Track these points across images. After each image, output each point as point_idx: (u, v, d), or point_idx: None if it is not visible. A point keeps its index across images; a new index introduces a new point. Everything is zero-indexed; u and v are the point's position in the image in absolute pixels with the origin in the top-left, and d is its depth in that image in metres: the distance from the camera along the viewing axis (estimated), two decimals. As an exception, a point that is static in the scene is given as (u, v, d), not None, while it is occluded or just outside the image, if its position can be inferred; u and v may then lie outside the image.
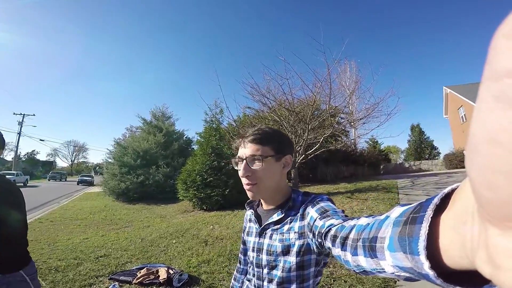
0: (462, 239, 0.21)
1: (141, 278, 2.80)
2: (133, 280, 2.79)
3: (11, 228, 1.20)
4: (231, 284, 1.11)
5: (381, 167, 19.17)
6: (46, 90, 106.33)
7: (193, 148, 13.30)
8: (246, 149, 0.83)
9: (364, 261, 0.40)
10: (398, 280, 2.61)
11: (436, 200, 0.29)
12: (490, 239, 0.16)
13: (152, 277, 2.83)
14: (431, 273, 0.27)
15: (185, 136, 14.13)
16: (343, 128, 9.36)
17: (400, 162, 28.77)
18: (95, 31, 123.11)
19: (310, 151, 7.92)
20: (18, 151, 35.16)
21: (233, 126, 9.11)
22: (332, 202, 0.76)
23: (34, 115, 34.40)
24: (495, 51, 0.14)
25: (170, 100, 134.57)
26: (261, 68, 8.55)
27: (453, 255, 0.23)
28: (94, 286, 2.78)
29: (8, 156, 49.87)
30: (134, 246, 4.23)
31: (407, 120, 45.05)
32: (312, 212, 0.72)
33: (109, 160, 13.38)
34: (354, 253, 0.43)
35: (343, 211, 0.68)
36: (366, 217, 0.47)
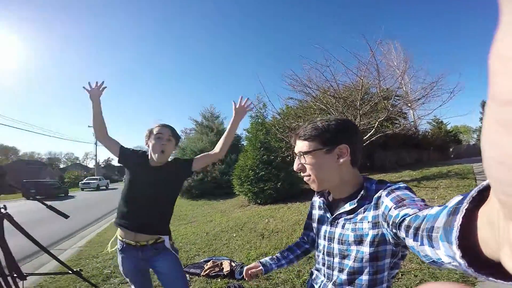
0: (493, 231, 0.22)
1: (207, 271, 3.07)
2: (201, 273, 3.07)
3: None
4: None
5: (451, 150, 16.85)
6: (108, 100, 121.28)
7: (242, 144, 13.73)
8: (296, 146, 0.89)
9: (429, 251, 0.41)
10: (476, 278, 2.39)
11: (472, 193, 0.30)
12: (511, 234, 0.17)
13: (217, 269, 3.09)
14: (462, 262, 0.29)
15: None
16: (399, 110, 8.53)
17: (473, 143, 24.87)
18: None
19: (365, 137, 7.49)
20: (97, 159, 41.13)
21: (277, 118, 9.13)
22: (410, 191, 0.71)
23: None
24: (493, 74, 0.14)
25: (216, 100, 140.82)
26: (298, 59, 8.36)
27: (492, 247, 0.24)
28: None
29: (90, 163, 59.21)
30: (201, 240, 4.64)
31: (476, 96, 39.01)
32: (386, 201, 0.69)
33: (172, 161, 14.76)
34: (422, 243, 0.44)
35: (423, 200, 0.64)
36: (438, 206, 0.45)
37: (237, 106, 1.73)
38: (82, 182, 28.02)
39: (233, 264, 3.18)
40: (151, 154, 1.59)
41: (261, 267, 1.12)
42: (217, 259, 3.41)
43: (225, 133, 1.76)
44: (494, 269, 0.26)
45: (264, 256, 3.46)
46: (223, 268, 3.10)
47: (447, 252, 0.34)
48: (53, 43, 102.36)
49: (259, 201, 7.71)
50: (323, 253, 0.90)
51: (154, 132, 1.58)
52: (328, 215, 0.90)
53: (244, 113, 1.76)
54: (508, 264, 0.18)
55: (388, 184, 0.78)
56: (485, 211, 0.26)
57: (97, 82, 1.70)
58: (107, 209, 10.92)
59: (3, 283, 1.47)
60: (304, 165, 0.85)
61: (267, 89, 20.44)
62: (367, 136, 7.39)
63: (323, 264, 0.91)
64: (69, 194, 20.31)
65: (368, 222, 0.76)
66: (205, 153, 1.75)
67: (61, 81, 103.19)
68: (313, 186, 0.87)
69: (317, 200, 1.00)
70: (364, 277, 0.78)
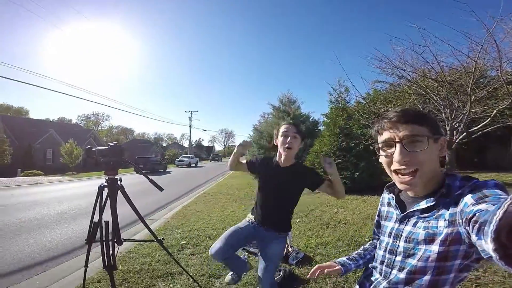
0: None
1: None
2: (258, 252, 3.20)
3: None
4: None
5: None
6: (202, 88, 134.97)
7: (319, 129, 13.29)
8: (399, 131, 0.74)
9: (484, 245, 0.40)
10: None
11: None
12: None
13: (273, 250, 3.16)
14: (493, 255, 0.30)
15: (311, 118, 14.30)
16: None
17: None
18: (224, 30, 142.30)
19: (475, 128, 6.11)
20: (191, 139, 47.13)
21: (362, 103, 8.31)
22: (502, 189, 0.61)
23: (197, 111, 45.94)
24: None
25: (294, 86, 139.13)
26: (389, 39, 7.16)
27: None
28: None
29: (185, 143, 68.39)
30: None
31: None
32: (467, 198, 0.62)
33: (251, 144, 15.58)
34: (479, 237, 0.43)
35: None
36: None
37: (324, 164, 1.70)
38: (177, 159, 32.65)
39: (290, 249, 3.15)
40: (279, 152, 1.73)
41: (339, 267, 1.01)
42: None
43: (336, 185, 1.74)
44: None
45: (324, 246, 3.40)
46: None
47: (493, 246, 0.33)
48: (157, 40, 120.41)
49: (331, 190, 7.36)
50: (385, 251, 0.85)
51: (281, 130, 1.73)
52: (398, 212, 0.84)
53: (332, 168, 1.70)
54: None
55: (475, 181, 0.67)
56: None
57: (250, 142, 2.10)
58: (194, 184, 12.59)
59: (104, 247, 1.78)
60: (414, 154, 0.71)
61: (349, 72, 18.78)
62: (478, 127, 6.05)
63: (382, 262, 0.86)
64: (167, 170, 24.07)
65: (445, 220, 0.69)
66: (337, 191, 1.74)
67: (165, 75, 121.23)
68: (409, 186, 0.74)
69: (386, 197, 0.94)
70: (426, 277, 0.71)
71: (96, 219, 1.79)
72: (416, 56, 6.42)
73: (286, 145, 1.66)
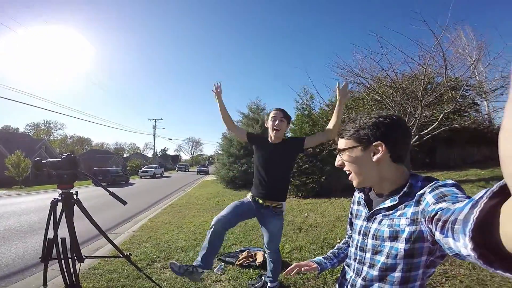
0: None
1: (241, 260, 3.08)
2: (235, 262, 3.10)
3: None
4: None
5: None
6: (167, 96, 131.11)
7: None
8: (338, 142, 0.93)
9: (452, 243, 0.40)
10: None
11: (494, 188, 0.30)
12: None
13: (250, 259, 3.08)
14: (472, 254, 0.29)
15: (279, 125, 14.63)
16: (470, 101, 7.41)
17: None
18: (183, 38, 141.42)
19: (426, 131, 6.69)
20: (155, 149, 45.14)
21: (325, 110, 8.69)
22: (459, 188, 0.66)
23: (162, 119, 44.84)
24: None
25: (262, 93, 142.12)
26: (350, 47, 7.70)
27: None
28: None
29: (148, 153, 65.30)
30: (239, 229, 4.66)
31: None
32: (428, 197, 0.66)
33: (219, 152, 15.31)
34: (446, 235, 0.43)
35: (468, 197, 0.58)
36: (468, 198, 0.45)
37: (340, 88, 2.00)
38: (141, 170, 30.97)
39: (266, 256, 3.13)
40: (269, 133, 2.08)
41: (316, 265, 1.11)
42: (252, 250, 3.40)
43: (334, 116, 2.04)
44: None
45: (299, 250, 3.44)
46: (256, 259, 3.09)
47: (465, 244, 0.34)
48: (118, 43, 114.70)
49: (300, 195, 7.53)
50: (356, 248, 0.90)
51: (271, 115, 2.08)
52: (366, 210, 0.90)
53: (346, 96, 2.03)
54: None
55: (435, 181, 0.73)
56: (509, 206, 0.25)
57: (216, 84, 2.29)
58: (160, 195, 11.89)
59: (63, 265, 1.61)
60: (344, 161, 0.89)
61: (315, 80, 19.66)
62: (428, 130, 6.64)
63: (355, 259, 0.91)
64: (129, 181, 22.63)
65: (406, 218, 0.74)
66: (317, 134, 2.18)
67: (123, 79, 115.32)
68: (354, 183, 0.89)
69: (357, 196, 1.01)
70: (397, 274, 0.76)
71: (51, 235, 1.61)
72: (374, 64, 6.94)
73: (275, 127, 2.01)
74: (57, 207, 1.63)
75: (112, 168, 25.74)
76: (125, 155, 68.71)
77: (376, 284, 0.80)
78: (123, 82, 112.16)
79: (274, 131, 2.03)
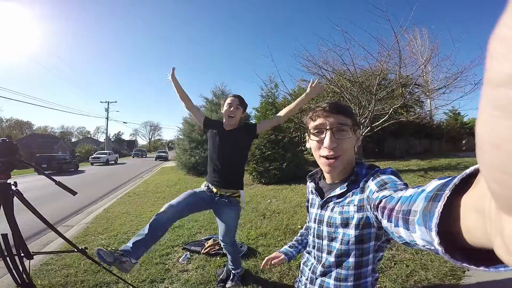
0: (483, 220, 0.21)
1: (208, 249, 3.06)
2: (201, 250, 3.07)
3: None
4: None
5: (464, 142, 16.37)
6: (123, 78, 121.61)
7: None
8: (330, 118, 0.80)
9: (403, 232, 0.41)
10: (468, 270, 2.41)
11: (455, 180, 0.30)
12: (504, 226, 0.17)
13: (217, 247, 3.07)
14: (439, 248, 0.29)
15: (243, 112, 14.57)
16: (416, 98, 8.21)
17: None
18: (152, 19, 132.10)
19: (377, 123, 7.25)
20: (108, 133, 41.84)
21: (288, 99, 8.90)
22: (396, 175, 0.72)
23: (116, 101, 41.76)
24: (491, 56, 0.14)
25: (228, 79, 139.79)
26: (316, 40, 7.94)
27: (477, 235, 0.24)
28: (170, 255, 3.08)
29: (101, 137, 60.39)
30: (203, 217, 4.59)
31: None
32: (371, 185, 0.70)
33: (180, 137, 14.75)
34: (396, 224, 0.44)
35: (405, 184, 0.64)
36: (413, 188, 0.47)
37: (313, 85, 2.00)
38: (92, 156, 28.35)
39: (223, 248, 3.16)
40: (224, 119, 2.01)
41: (283, 256, 1.16)
42: (217, 238, 3.38)
43: (293, 104, 2.06)
44: (472, 255, 0.27)
45: (264, 237, 3.51)
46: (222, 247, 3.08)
47: (423, 236, 0.34)
48: (69, 21, 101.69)
49: (263, 181, 7.69)
50: (313, 236, 0.92)
51: (227, 101, 2.00)
52: (319, 199, 0.91)
53: (314, 94, 2.02)
54: (501, 255, 0.18)
55: (377, 169, 0.78)
56: (471, 199, 0.25)
57: (173, 69, 2.22)
58: (115, 184, 11.06)
59: (10, 263, 1.43)
60: (341, 141, 0.80)
61: (280, 69, 19.85)
62: (379, 122, 7.20)
63: (313, 247, 0.93)
64: (79, 169, 20.59)
65: (354, 205, 0.78)
66: (268, 119, 2.22)
67: (72, 58, 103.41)
68: (332, 169, 0.81)
69: (309, 185, 1.01)
70: (351, 259, 0.80)
71: None
72: (336, 58, 7.23)
73: (229, 114, 1.95)
74: None
75: (58, 154, 23.25)
76: (73, 139, 62.58)
77: (334, 270, 0.84)
78: (70, 60, 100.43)
79: (229, 118, 1.97)
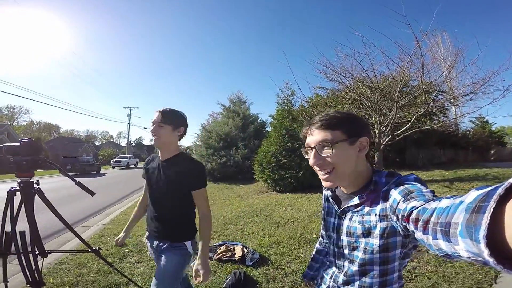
0: None
1: (220, 255, 3.04)
2: (213, 256, 3.05)
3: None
4: (312, 255, 1.16)
5: (492, 152, 15.41)
6: (145, 84, 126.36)
7: (267, 130, 13.64)
8: (314, 136, 0.81)
9: (443, 245, 0.40)
10: (495, 283, 2.33)
11: (500, 191, 0.30)
12: None
13: (229, 254, 3.04)
14: (490, 260, 0.29)
15: (259, 119, 14.58)
16: (440, 105, 7.83)
17: (519, 146, 22.37)
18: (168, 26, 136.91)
19: (398, 131, 6.97)
20: (129, 138, 43.40)
21: (305, 107, 8.80)
22: (420, 182, 0.69)
23: (138, 107, 43.88)
24: None
25: (244, 85, 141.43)
26: (334, 45, 7.82)
27: None
28: None
29: (122, 142, 62.67)
30: (217, 223, 4.61)
31: (532, 95, 34.58)
32: (395, 194, 0.67)
33: (198, 143, 15.01)
34: (435, 237, 0.43)
35: (432, 191, 0.62)
36: (447, 198, 0.45)
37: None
38: (114, 160, 29.62)
39: (245, 250, 3.11)
40: None
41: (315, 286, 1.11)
42: (230, 244, 3.35)
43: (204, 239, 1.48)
44: None
45: (277, 245, 3.44)
46: (235, 254, 3.05)
47: (468, 248, 0.34)
48: (96, 27, 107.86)
49: (278, 189, 7.58)
50: (333, 245, 0.91)
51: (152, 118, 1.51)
52: (336, 207, 0.90)
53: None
54: None
55: (398, 177, 0.75)
56: None
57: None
58: (133, 187, 11.39)
59: (23, 260, 1.46)
60: (326, 158, 0.79)
61: (297, 75, 19.74)
62: (401, 131, 6.93)
63: (334, 256, 0.92)
64: (101, 172, 21.55)
65: (376, 215, 0.75)
66: (199, 202, 1.50)
67: (98, 64, 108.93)
68: (330, 183, 0.81)
69: (325, 194, 1.00)
70: (375, 267, 0.78)
71: (8, 228, 1.46)
72: (355, 64, 7.07)
73: (152, 133, 1.47)
74: (15, 197, 1.47)
75: (82, 156, 24.40)
76: (97, 143, 65.31)
77: (358, 278, 0.82)
78: (97, 67, 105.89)
79: (154, 138, 1.47)
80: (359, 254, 0.80)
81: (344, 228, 0.85)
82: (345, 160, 0.78)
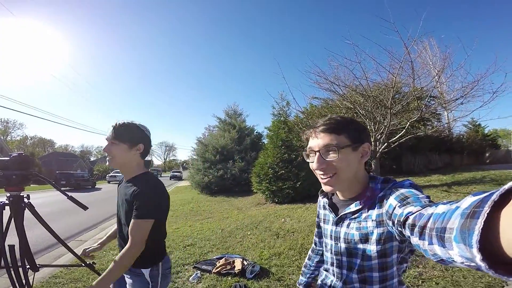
0: None
1: (219, 268, 2.97)
2: (212, 269, 2.98)
3: None
4: (304, 263, 1.17)
5: (487, 155, 15.60)
6: (140, 98, 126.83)
7: (263, 142, 13.67)
8: (318, 140, 0.80)
9: (438, 250, 0.41)
10: (507, 285, 2.21)
11: (494, 197, 0.30)
12: None
13: (228, 267, 2.97)
14: (482, 265, 0.29)
15: (255, 131, 14.64)
16: (433, 111, 7.95)
17: (513, 148, 22.69)
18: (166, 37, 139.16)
19: (394, 138, 7.03)
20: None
21: (300, 118, 8.88)
22: (416, 188, 0.69)
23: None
24: None
25: (239, 98, 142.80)
26: (326, 54, 7.96)
27: None
28: (181, 273, 3.02)
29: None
30: (215, 236, 4.54)
31: (523, 97, 35.29)
32: (391, 200, 0.68)
33: (194, 157, 15.00)
34: (430, 242, 0.43)
35: (428, 197, 0.62)
36: (443, 204, 0.45)
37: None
38: (109, 175, 29.33)
39: (245, 262, 3.04)
40: None
41: None
42: (229, 257, 3.28)
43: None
44: None
45: (277, 257, 3.38)
46: (234, 267, 2.98)
47: (461, 253, 0.34)
48: (91, 41, 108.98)
49: (276, 200, 7.53)
50: (331, 253, 0.90)
51: None
52: (333, 215, 0.89)
53: None
54: None
55: (393, 182, 0.76)
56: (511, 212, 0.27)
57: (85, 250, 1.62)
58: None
59: (13, 275, 1.40)
60: (330, 162, 0.77)
61: (291, 85, 19.95)
62: (396, 137, 6.99)
63: (332, 264, 0.90)
64: (96, 186, 21.27)
65: (372, 220, 0.76)
66: (132, 232, 1.22)
67: (93, 78, 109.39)
68: (330, 188, 0.80)
69: (321, 201, 1.00)
70: (375, 274, 0.78)
71: None
72: (348, 72, 7.20)
73: (106, 153, 1.32)
74: (3, 211, 1.42)
75: (77, 172, 24.06)
76: (92, 158, 64.60)
77: (358, 286, 0.82)
78: (92, 81, 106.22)
79: (107, 158, 1.33)
80: (357, 261, 0.80)
81: (342, 235, 0.84)
82: (348, 165, 0.78)
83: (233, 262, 3.07)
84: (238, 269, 2.88)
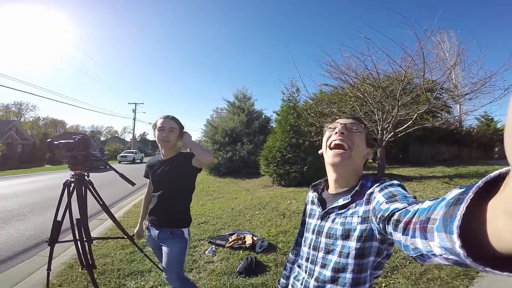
0: None
1: (232, 243, 3.30)
2: (225, 244, 3.32)
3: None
4: (284, 265, 1.14)
5: (496, 149, 15.37)
6: (150, 80, 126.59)
7: (271, 125, 13.80)
8: (347, 120, 0.90)
9: (420, 243, 0.40)
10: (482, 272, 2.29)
11: (479, 183, 0.29)
12: None
13: (240, 242, 3.30)
14: (461, 252, 0.28)
15: (263, 115, 14.73)
16: (443, 103, 7.96)
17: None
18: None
19: (401, 128, 7.15)
20: (134, 133, 43.77)
21: (309, 104, 8.99)
22: (403, 188, 0.72)
23: (143, 103, 43.43)
24: None
25: (247, 82, 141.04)
26: (338, 45, 7.95)
27: (506, 239, 0.23)
28: (197, 248, 3.37)
29: (127, 137, 63.10)
30: (226, 215, 4.88)
31: (534, 94, 33.71)
32: (378, 196, 0.70)
33: (203, 138, 15.22)
34: (413, 235, 0.43)
35: (414, 197, 0.64)
36: (430, 200, 0.44)
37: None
38: (120, 155, 29.64)
39: (255, 238, 3.37)
40: (160, 147, 1.77)
41: None
42: (240, 233, 3.61)
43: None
44: (496, 261, 0.26)
45: (284, 234, 3.70)
46: (245, 241, 3.30)
47: (441, 243, 0.33)
48: (101, 23, 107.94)
49: (283, 183, 7.82)
50: (309, 247, 0.90)
51: (158, 124, 1.73)
52: (320, 209, 0.91)
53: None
54: None
55: (383, 181, 0.79)
56: (500, 203, 0.25)
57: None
58: (142, 181, 11.67)
59: (79, 247, 1.69)
60: (352, 135, 0.86)
61: (302, 73, 19.84)
62: (403, 128, 7.10)
63: (307, 259, 0.91)
64: (108, 167, 21.71)
65: (358, 216, 0.77)
66: (203, 153, 1.73)
67: (103, 60, 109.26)
68: (340, 159, 0.84)
69: (311, 195, 1.02)
70: (348, 275, 0.78)
71: (59, 217, 1.69)
72: (359, 63, 7.25)
73: (162, 139, 1.70)
74: (66, 189, 1.69)
75: (95, 151, 24.56)
76: (102, 138, 65.92)
77: (329, 285, 0.81)
78: (102, 63, 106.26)
79: (163, 143, 1.71)
80: (333, 258, 0.80)
81: (325, 229, 0.85)
82: (360, 151, 0.87)
83: (244, 237, 3.39)
84: (249, 244, 3.20)
